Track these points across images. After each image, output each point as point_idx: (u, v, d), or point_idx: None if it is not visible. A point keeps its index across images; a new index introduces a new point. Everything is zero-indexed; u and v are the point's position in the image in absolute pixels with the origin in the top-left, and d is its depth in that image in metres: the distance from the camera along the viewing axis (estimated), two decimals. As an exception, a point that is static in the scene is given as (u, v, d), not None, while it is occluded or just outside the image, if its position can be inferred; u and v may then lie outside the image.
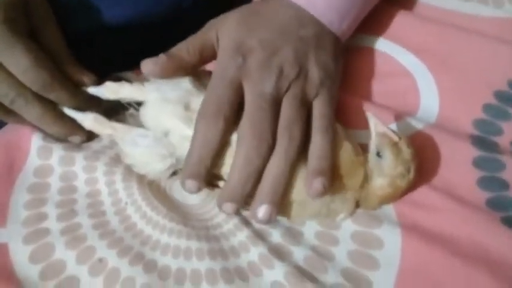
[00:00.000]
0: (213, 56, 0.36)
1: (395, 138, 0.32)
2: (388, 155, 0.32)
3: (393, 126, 0.37)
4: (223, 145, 0.33)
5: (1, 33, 0.33)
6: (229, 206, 0.32)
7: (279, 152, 0.32)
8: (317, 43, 0.36)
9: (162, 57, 0.34)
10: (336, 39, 0.38)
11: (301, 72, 0.35)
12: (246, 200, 0.33)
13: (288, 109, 0.33)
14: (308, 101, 0.35)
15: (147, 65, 0.34)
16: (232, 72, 0.34)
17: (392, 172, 0.32)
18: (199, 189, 0.33)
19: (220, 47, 0.36)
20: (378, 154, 0.33)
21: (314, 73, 0.35)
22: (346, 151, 0.33)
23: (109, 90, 0.37)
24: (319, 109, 0.35)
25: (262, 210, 0.32)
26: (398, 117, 0.38)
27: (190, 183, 0.32)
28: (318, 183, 0.31)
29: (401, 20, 0.43)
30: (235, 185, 0.32)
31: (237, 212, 0.33)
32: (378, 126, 0.33)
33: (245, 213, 0.34)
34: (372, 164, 0.33)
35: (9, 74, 0.34)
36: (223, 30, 0.36)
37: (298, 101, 0.34)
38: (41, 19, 0.37)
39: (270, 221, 0.32)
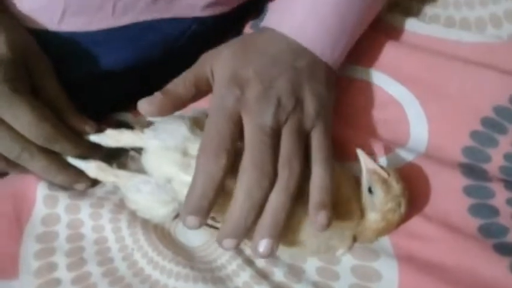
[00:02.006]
0: (208, 90, 0.36)
1: (385, 175, 0.34)
2: (378, 192, 0.34)
3: (383, 159, 0.39)
4: (224, 187, 0.33)
5: (3, 92, 0.34)
6: (230, 242, 0.32)
7: (280, 185, 0.32)
8: (310, 73, 0.37)
9: (157, 95, 0.35)
10: (328, 69, 0.39)
11: (298, 104, 0.35)
12: (248, 234, 0.33)
13: (287, 142, 0.33)
14: (305, 133, 0.35)
15: (144, 106, 0.34)
16: (231, 104, 0.33)
17: (384, 208, 0.34)
18: (200, 225, 0.32)
19: (215, 79, 0.36)
20: (370, 190, 0.34)
21: (310, 104, 0.36)
22: (344, 188, 0.35)
23: (110, 138, 0.38)
24: (317, 140, 0.35)
25: (263, 245, 0.32)
26: (389, 148, 0.39)
27: (192, 220, 0.32)
28: (322, 217, 0.32)
29: (388, 50, 0.44)
30: (237, 220, 0.32)
31: (237, 248, 0.33)
32: (367, 162, 0.35)
33: (247, 252, 0.35)
34: (364, 199, 0.35)
35: (13, 130, 0.35)
36: (218, 63, 0.36)
37: (297, 133, 0.34)
38: (41, 75, 0.38)
39: (271, 254, 0.32)
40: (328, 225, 0.32)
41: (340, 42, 0.40)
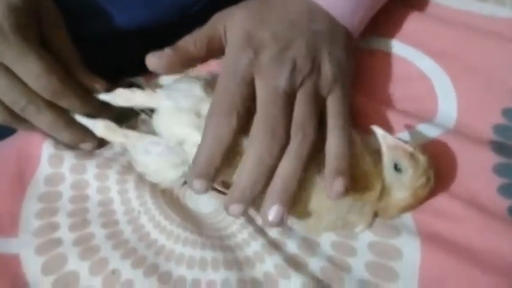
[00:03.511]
0: (220, 50, 0.35)
1: (410, 149, 0.31)
2: (407, 168, 0.31)
3: (406, 134, 0.36)
4: (233, 149, 0.31)
5: (13, 41, 0.33)
6: (236, 208, 0.30)
7: (292, 151, 0.31)
8: (329, 37, 0.35)
9: (167, 51, 0.33)
10: (348, 34, 0.37)
11: (315, 67, 0.33)
12: (257, 203, 0.31)
13: (302, 106, 0.32)
14: (321, 98, 0.33)
15: (152, 60, 0.33)
16: (244, 67, 0.32)
17: (415, 184, 0.31)
18: (207, 190, 0.31)
19: (228, 40, 0.34)
20: (396, 168, 0.32)
21: (327, 68, 0.34)
22: (364, 162, 0.33)
23: (121, 97, 0.36)
24: (333, 106, 0.33)
25: (273, 212, 0.30)
26: (413, 123, 0.37)
27: (199, 184, 0.30)
28: (338, 184, 0.30)
29: (417, 23, 0.42)
30: (245, 186, 0.30)
31: (244, 214, 0.32)
32: (387, 138, 0.32)
33: (260, 222, 0.34)
34: (389, 178, 0.32)
35: (20, 81, 0.34)
36: (232, 23, 0.34)
37: (312, 97, 0.32)
38: (52, 26, 0.36)
39: (281, 223, 0.31)
40: (345, 193, 0.30)
41: (361, 7, 0.38)
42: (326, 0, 0.36)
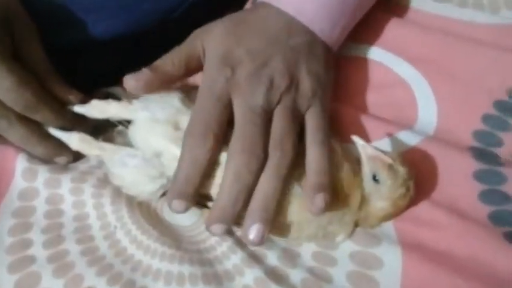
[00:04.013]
0: (198, 68, 0.35)
1: (389, 160, 0.31)
2: (385, 180, 0.31)
3: (386, 141, 0.36)
4: (212, 164, 0.31)
5: None
6: (218, 228, 0.31)
7: (271, 167, 0.31)
8: (308, 52, 0.35)
9: (145, 71, 0.33)
10: (327, 48, 0.37)
11: (292, 83, 0.33)
12: (237, 219, 0.31)
13: (279, 122, 0.32)
14: (300, 113, 0.33)
15: (130, 82, 0.33)
16: (220, 85, 0.32)
17: (394, 195, 0.31)
18: (186, 209, 0.31)
19: (206, 58, 0.34)
20: (374, 179, 0.31)
21: (306, 83, 0.34)
22: (344, 171, 0.32)
23: (96, 109, 0.35)
24: (312, 121, 0.33)
25: (253, 231, 0.30)
26: (393, 130, 0.37)
27: (177, 204, 0.31)
28: (319, 200, 0.30)
29: (397, 29, 0.42)
30: (225, 205, 0.30)
31: (226, 233, 0.32)
32: (366, 149, 0.32)
33: (239, 233, 0.33)
34: (368, 188, 0.32)
35: None
36: (209, 41, 0.35)
37: (290, 113, 0.33)
38: (24, 38, 0.35)
39: (262, 241, 0.31)
40: (326, 209, 0.30)
41: (341, 21, 0.38)
42: (305, 16, 0.36)
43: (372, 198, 0.32)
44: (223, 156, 0.32)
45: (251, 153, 0.30)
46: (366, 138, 0.36)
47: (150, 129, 0.33)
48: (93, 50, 0.42)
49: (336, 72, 0.38)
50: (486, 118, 0.37)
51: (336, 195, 0.32)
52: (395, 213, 0.32)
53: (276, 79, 0.33)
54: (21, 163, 0.36)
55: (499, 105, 0.37)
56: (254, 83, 0.32)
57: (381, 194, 0.31)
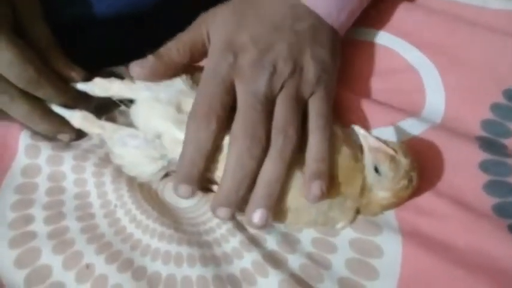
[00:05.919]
0: (204, 54, 0.34)
1: (391, 152, 0.30)
2: (387, 172, 0.30)
3: (391, 129, 0.35)
4: (216, 148, 0.31)
5: None
6: (223, 211, 0.31)
7: (274, 153, 0.31)
8: (313, 37, 0.35)
9: (150, 58, 0.33)
10: (334, 32, 0.36)
11: (296, 69, 0.33)
12: (241, 203, 0.31)
13: (282, 109, 0.32)
14: (303, 99, 0.33)
15: (135, 69, 0.33)
16: (224, 71, 0.32)
17: (395, 187, 0.30)
18: (193, 194, 0.31)
19: (211, 44, 0.34)
20: (376, 170, 0.31)
21: (310, 69, 0.33)
22: (345, 157, 0.32)
23: (98, 87, 0.35)
24: (315, 108, 0.33)
25: (257, 215, 0.31)
26: (400, 118, 0.36)
27: (184, 188, 0.31)
28: (316, 188, 0.30)
29: (405, 13, 0.41)
30: (229, 189, 0.31)
31: (232, 218, 0.32)
32: (368, 139, 0.31)
33: (240, 217, 0.33)
34: (370, 178, 0.31)
35: None
36: (214, 26, 0.34)
37: (293, 99, 0.32)
38: (28, 14, 0.35)
39: (265, 225, 0.31)
40: (322, 197, 0.30)
41: (348, 4, 0.37)
42: (311, 0, 0.35)
43: (374, 188, 0.31)
44: (227, 141, 0.31)
45: (253, 138, 0.30)
46: (371, 125, 0.36)
47: (152, 109, 0.33)
48: (96, 28, 0.42)
49: (342, 57, 0.37)
50: (495, 107, 0.36)
51: (336, 181, 0.31)
52: (398, 203, 0.32)
53: (279, 65, 0.33)
54: (24, 140, 0.36)
55: (509, 94, 0.37)
56: (257, 69, 0.32)
57: (382, 185, 0.31)
